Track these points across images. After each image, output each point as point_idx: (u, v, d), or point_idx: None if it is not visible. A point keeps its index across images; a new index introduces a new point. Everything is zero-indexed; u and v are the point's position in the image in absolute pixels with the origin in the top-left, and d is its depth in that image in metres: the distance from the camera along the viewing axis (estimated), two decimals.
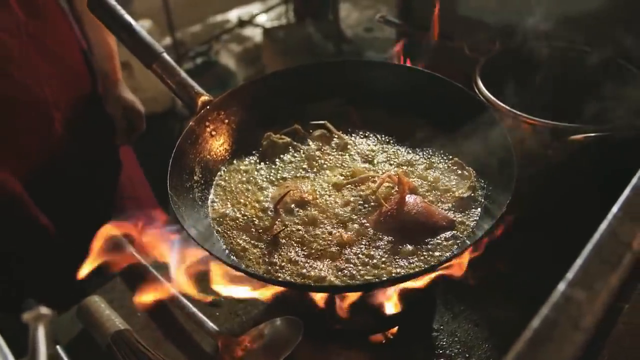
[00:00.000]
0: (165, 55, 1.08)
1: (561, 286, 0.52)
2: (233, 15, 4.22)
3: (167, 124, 3.25)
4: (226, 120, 1.10)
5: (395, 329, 1.05)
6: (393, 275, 0.84)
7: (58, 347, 1.07)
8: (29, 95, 1.46)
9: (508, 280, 1.13)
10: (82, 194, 1.64)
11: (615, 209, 0.61)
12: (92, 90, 1.67)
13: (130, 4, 3.44)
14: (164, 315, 1.14)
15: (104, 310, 1.10)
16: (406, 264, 0.86)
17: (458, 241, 0.88)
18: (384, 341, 1.05)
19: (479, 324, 1.07)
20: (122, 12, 1.09)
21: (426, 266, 0.84)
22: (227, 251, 0.92)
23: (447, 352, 1.03)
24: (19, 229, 1.51)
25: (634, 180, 0.64)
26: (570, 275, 0.54)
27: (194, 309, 1.09)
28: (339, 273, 0.86)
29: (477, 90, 1.18)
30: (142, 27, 1.11)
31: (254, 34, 3.99)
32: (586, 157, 1.09)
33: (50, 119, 1.51)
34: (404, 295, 0.99)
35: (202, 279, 1.00)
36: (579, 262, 0.55)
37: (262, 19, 4.12)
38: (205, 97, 1.07)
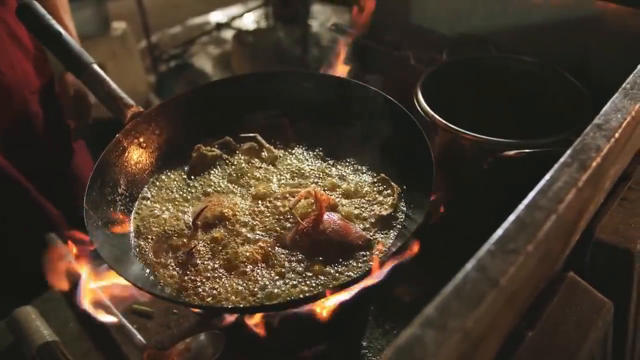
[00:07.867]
0: (95, 66, 1.08)
1: (414, 324, 0.50)
2: (213, 17, 4.19)
3: None
4: (157, 132, 1.09)
5: (323, 345, 1.04)
6: (301, 295, 0.82)
7: None
8: (4, 76, 1.47)
9: None
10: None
11: (492, 239, 0.59)
12: (51, 77, 1.69)
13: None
14: (96, 326, 1.13)
15: (34, 321, 1.09)
16: (316, 283, 0.84)
17: (371, 262, 0.86)
18: (310, 357, 1.03)
19: None
20: (52, 21, 1.08)
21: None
22: (142, 267, 0.91)
23: None
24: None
25: (519, 208, 0.62)
26: (426, 312, 0.52)
27: (124, 321, 1.08)
28: (249, 291, 0.85)
29: (416, 103, 1.16)
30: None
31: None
32: (520, 173, 1.07)
33: (26, 101, 1.54)
34: (332, 312, 0.98)
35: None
36: (438, 298, 0.53)
37: (241, 21, 4.08)
38: (134, 109, 1.06)
